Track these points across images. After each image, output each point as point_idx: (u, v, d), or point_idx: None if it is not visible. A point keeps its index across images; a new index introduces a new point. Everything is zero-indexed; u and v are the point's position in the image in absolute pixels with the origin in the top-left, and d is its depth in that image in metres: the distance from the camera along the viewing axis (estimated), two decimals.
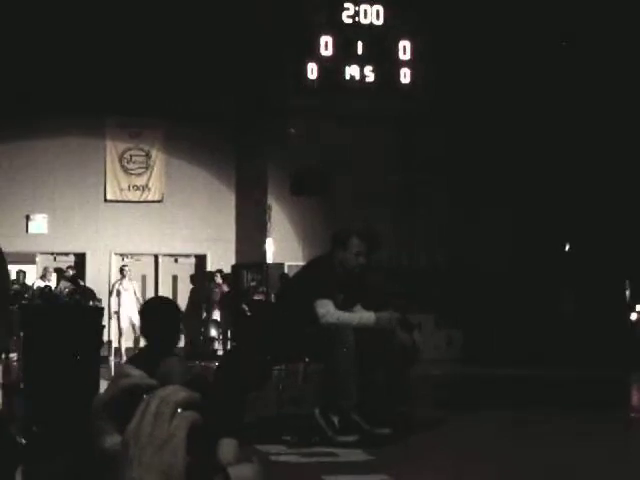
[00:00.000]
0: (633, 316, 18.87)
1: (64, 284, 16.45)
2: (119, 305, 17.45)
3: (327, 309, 6.54)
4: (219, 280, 18.87)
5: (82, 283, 17.18)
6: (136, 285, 18.04)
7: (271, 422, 6.49)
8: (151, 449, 1.13)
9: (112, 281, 19.08)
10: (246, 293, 18.04)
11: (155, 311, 4.75)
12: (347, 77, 19.80)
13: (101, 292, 18.31)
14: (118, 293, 17.56)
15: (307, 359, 6.83)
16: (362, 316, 6.69)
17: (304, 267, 7.63)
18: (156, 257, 20.11)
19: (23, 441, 6.49)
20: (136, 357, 4.81)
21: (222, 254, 19.76)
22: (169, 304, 5.18)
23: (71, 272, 17.38)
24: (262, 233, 19.71)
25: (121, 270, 18.01)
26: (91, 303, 15.39)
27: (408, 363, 6.96)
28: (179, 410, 1.18)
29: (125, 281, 17.70)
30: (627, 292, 19.18)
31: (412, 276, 18.46)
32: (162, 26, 18.44)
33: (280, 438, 6.18)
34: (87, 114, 18.96)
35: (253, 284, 18.20)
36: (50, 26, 18.04)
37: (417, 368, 7.16)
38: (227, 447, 1.32)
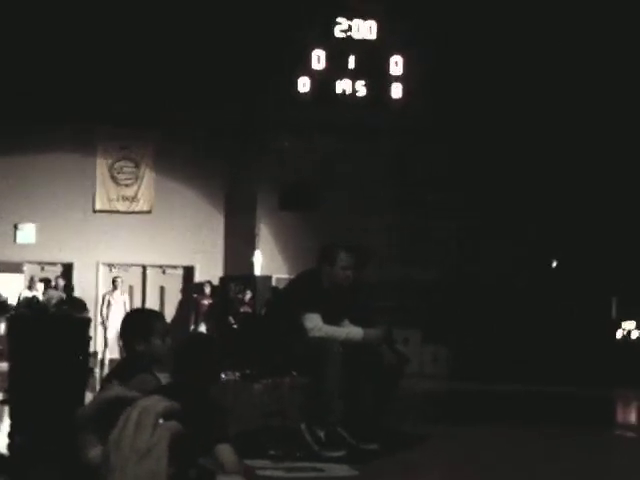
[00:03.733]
0: (619, 334, 18.92)
1: (51, 294, 16.35)
2: (107, 316, 17.28)
3: (315, 323, 6.53)
4: (208, 291, 18.81)
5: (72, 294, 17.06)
6: (127, 298, 17.81)
7: (257, 436, 6.47)
8: (134, 458, 1.14)
9: (99, 291, 19.02)
10: (232, 305, 18.00)
11: (129, 322, 4.67)
12: (339, 91, 19.86)
13: (88, 302, 18.26)
14: (108, 304, 17.33)
15: (294, 373, 6.82)
16: (350, 331, 6.69)
17: (292, 281, 7.62)
18: (144, 268, 20.07)
19: (6, 452, 6.46)
20: (114, 370, 4.74)
21: (210, 266, 19.73)
22: (144, 314, 5.09)
23: (62, 282, 17.25)
24: (250, 245, 19.70)
25: (113, 281, 17.76)
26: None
27: (395, 378, 6.95)
28: (160, 420, 1.19)
29: (116, 293, 17.47)
30: (613, 309, 19.24)
31: (401, 291, 18.48)
32: (154, 39, 18.46)
33: (266, 452, 6.16)
34: (77, 124, 18.93)
35: (246, 296, 18.06)
36: (43, 36, 18.04)
37: (403, 383, 7.16)
38: (226, 452, 1.35)
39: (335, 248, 6.85)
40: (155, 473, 1.18)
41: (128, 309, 17.17)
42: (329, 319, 6.67)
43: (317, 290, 6.70)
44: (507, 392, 13.15)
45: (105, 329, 17.26)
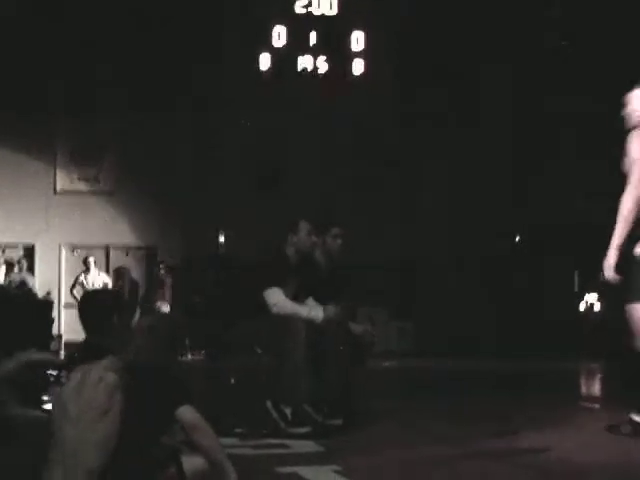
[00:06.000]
0: (582, 306, 19.09)
1: (13, 277, 16.11)
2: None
3: (277, 298, 6.53)
4: (162, 272, 18.35)
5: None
6: (106, 278, 17.04)
7: (223, 414, 6.45)
8: (91, 414, 1.16)
9: (62, 273, 18.82)
10: (197, 285, 17.86)
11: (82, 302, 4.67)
12: (300, 68, 19.79)
13: (51, 284, 18.08)
14: (82, 286, 16.58)
15: (259, 350, 6.80)
16: (310, 311, 6.68)
17: (258, 257, 7.60)
18: (107, 249, 19.88)
19: None
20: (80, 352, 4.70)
21: (174, 246, 19.56)
22: (97, 294, 5.12)
23: (25, 264, 16.86)
24: (215, 225, 19.59)
25: (84, 262, 17.05)
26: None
27: (362, 355, 6.98)
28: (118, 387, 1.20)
29: (90, 275, 16.75)
30: (576, 282, 19.40)
31: (365, 271, 18.50)
32: (115, 20, 18.30)
33: (232, 430, 6.15)
34: (38, 104, 18.67)
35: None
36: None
37: (369, 360, 7.18)
38: (187, 413, 1.40)
39: (295, 220, 6.96)
40: (109, 435, 1.24)
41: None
42: (293, 296, 6.67)
43: (281, 265, 6.72)
44: (473, 367, 13.23)
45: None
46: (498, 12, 18.86)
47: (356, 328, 7.00)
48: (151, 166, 19.66)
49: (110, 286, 16.68)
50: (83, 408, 1.18)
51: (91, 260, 16.95)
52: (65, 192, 19.55)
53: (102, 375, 1.22)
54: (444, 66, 18.93)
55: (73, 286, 16.92)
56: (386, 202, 19.44)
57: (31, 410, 1.27)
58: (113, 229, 19.53)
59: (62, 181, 19.58)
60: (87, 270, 16.92)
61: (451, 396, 9.01)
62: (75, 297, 16.56)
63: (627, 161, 5.92)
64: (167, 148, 19.52)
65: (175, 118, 19.35)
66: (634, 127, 5.96)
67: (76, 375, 1.23)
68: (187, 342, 14.12)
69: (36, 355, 1.33)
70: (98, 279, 16.84)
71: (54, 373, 1.30)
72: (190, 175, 19.85)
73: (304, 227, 6.91)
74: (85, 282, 16.69)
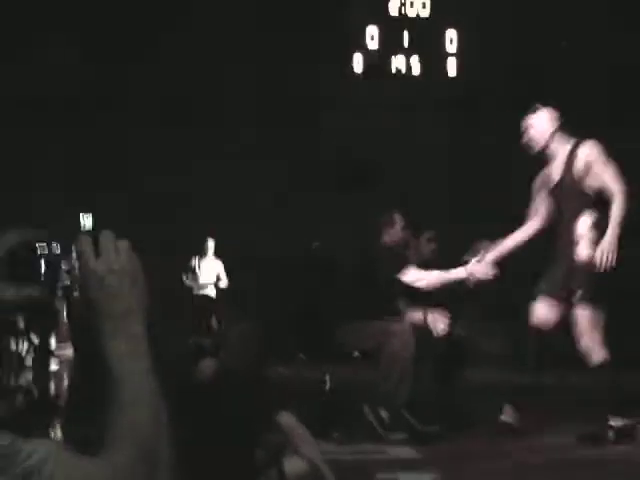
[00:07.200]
0: None
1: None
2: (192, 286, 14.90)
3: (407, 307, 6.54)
4: None
5: None
6: (219, 266, 15.04)
7: (319, 419, 6.43)
8: (128, 280, 1.23)
9: None
10: None
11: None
12: (393, 69, 19.75)
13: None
14: (193, 271, 14.86)
15: (356, 354, 6.76)
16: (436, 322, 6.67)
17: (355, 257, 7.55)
18: None
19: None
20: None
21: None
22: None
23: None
24: (309, 226, 19.57)
25: (203, 247, 15.02)
26: None
27: (463, 362, 6.90)
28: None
29: (205, 261, 14.97)
30: None
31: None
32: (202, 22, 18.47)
33: (329, 435, 6.12)
34: None
35: None
36: None
37: (469, 367, 7.09)
38: (284, 416, 1.47)
39: (389, 213, 7.00)
40: (144, 298, 1.33)
41: (222, 279, 15.00)
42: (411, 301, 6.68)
43: (402, 269, 6.70)
44: (574, 382, 12.89)
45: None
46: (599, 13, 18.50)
47: (458, 334, 6.92)
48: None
49: (222, 275, 14.91)
50: (118, 277, 1.27)
51: (210, 244, 15.03)
52: None
53: (116, 244, 1.32)
54: (537, 65, 18.64)
55: (186, 271, 15.02)
56: (472, 201, 19.13)
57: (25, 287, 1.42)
58: None
59: None
60: (204, 255, 15.03)
61: (546, 406, 8.80)
62: (188, 284, 14.94)
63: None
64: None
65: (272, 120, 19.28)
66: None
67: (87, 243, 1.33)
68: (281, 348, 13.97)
69: (18, 235, 1.44)
70: (212, 267, 15.06)
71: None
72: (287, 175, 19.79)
73: (398, 220, 6.92)
74: (197, 267, 14.98)
